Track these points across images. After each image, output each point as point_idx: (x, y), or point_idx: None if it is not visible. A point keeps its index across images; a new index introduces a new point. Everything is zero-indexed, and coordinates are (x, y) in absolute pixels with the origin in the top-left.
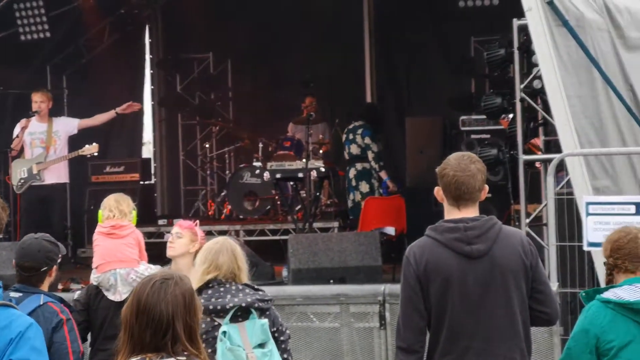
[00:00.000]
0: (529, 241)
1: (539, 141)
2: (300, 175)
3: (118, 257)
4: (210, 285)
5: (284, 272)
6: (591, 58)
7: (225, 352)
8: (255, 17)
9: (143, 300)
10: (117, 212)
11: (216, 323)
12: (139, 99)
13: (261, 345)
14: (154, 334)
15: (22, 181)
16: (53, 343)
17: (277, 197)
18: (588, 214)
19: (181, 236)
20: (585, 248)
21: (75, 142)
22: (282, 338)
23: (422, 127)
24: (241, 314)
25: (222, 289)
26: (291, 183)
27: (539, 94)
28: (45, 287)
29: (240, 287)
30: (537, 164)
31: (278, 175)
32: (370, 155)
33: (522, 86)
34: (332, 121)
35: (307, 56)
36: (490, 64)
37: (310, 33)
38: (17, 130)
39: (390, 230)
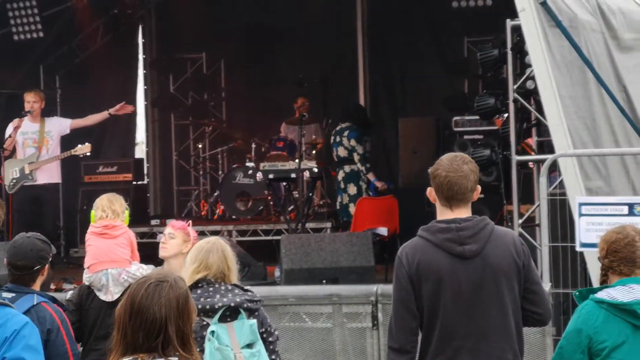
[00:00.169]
0: (521, 241)
1: (532, 141)
2: (293, 175)
3: (110, 257)
4: (200, 284)
5: (277, 273)
6: (584, 59)
7: (213, 352)
8: (248, 18)
9: (137, 302)
10: (109, 212)
11: (205, 323)
12: (132, 99)
13: (249, 346)
14: (147, 336)
15: (14, 181)
16: (52, 347)
17: (269, 198)
18: (581, 215)
19: (174, 237)
20: (578, 249)
21: (67, 142)
22: (270, 339)
23: (415, 128)
24: (230, 314)
25: (211, 289)
26: (284, 183)
27: (532, 94)
28: (37, 286)
29: (230, 287)
30: (530, 165)
31: (271, 176)
32: (356, 157)
33: (515, 87)
34: (325, 122)
35: (300, 56)
36: (484, 65)
37: (304, 33)
38: (9, 130)
39: (383, 231)
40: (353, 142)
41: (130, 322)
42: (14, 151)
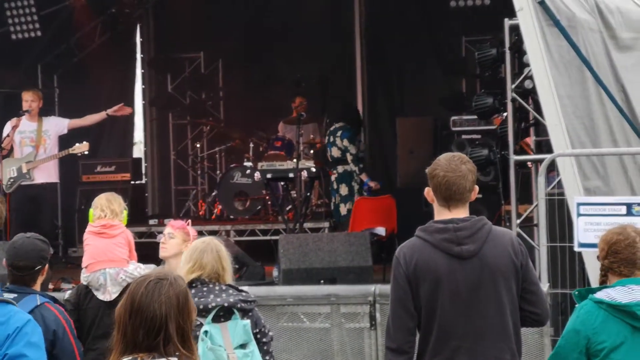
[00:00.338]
0: (519, 241)
1: (530, 141)
2: (291, 175)
3: (108, 257)
4: (194, 284)
5: (275, 272)
6: (582, 58)
7: (206, 352)
8: (246, 17)
9: (137, 300)
10: (108, 211)
11: (198, 322)
12: (130, 99)
13: (243, 346)
14: (147, 334)
15: (12, 180)
16: (60, 347)
17: (267, 197)
18: (579, 215)
19: (173, 236)
20: (576, 249)
21: (65, 141)
22: (264, 340)
23: (413, 128)
24: (223, 314)
25: (205, 289)
26: (282, 183)
27: (530, 94)
28: (37, 286)
29: (224, 287)
30: (529, 164)
31: (269, 175)
32: (349, 157)
33: (513, 86)
34: (325, 121)
35: (298, 56)
36: (482, 64)
37: (301, 33)
38: (7, 129)
39: (381, 231)
40: (346, 142)
41: (131, 320)
42: (11, 150)
